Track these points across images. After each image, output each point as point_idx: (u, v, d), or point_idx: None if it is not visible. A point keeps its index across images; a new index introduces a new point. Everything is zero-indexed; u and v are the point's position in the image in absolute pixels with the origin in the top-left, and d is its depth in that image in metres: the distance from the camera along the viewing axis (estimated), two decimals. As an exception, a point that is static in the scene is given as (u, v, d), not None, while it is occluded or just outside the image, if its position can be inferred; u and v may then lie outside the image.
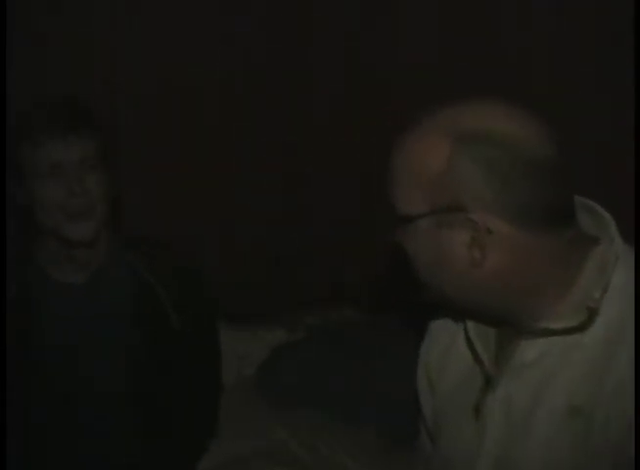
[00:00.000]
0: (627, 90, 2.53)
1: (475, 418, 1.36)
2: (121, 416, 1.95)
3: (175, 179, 2.85)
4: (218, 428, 2.09)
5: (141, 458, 1.95)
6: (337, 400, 2.57)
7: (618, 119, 2.61)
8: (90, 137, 1.85)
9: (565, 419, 1.26)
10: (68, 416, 1.93)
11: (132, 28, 2.75)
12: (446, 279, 1.30)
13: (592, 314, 1.25)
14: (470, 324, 1.40)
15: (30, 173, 1.84)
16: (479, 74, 2.76)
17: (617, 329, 1.25)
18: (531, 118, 1.27)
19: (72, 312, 1.93)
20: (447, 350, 1.47)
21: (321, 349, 2.73)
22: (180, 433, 2.00)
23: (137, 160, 2.66)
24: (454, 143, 1.23)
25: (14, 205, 1.96)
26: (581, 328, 1.26)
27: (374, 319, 2.92)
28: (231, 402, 2.52)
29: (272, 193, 3.02)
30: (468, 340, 1.40)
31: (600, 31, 2.64)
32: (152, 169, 2.76)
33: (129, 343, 1.93)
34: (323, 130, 3.00)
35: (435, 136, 1.25)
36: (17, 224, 2.12)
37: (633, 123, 2.51)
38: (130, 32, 2.75)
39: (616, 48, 2.61)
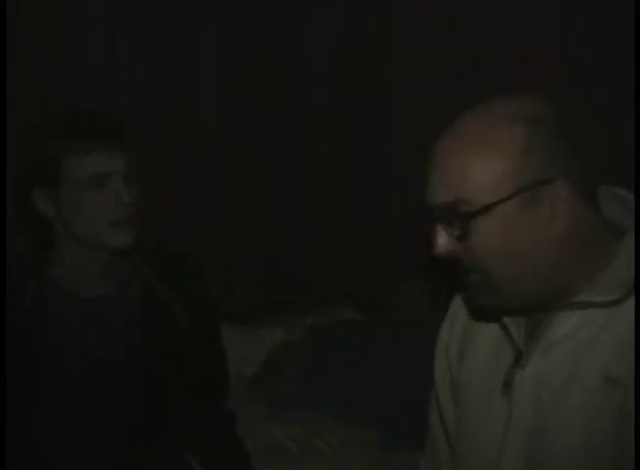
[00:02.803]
0: (628, 89, 2.53)
1: (503, 393, 1.38)
2: (129, 415, 1.96)
3: (175, 180, 2.84)
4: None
5: (150, 459, 1.97)
6: (336, 401, 2.57)
7: (619, 118, 2.61)
8: (126, 149, 1.88)
9: (602, 390, 1.28)
10: (74, 416, 1.94)
11: (132, 28, 2.76)
12: (515, 264, 1.30)
13: (632, 289, 1.29)
14: None
15: (69, 184, 1.84)
16: (478, 64, 2.77)
17: None
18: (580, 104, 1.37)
19: (82, 324, 1.94)
20: (470, 329, 1.48)
21: (321, 349, 2.73)
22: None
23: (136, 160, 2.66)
24: (527, 124, 1.28)
25: (26, 220, 1.96)
26: (620, 301, 1.29)
27: (374, 319, 2.92)
28: (231, 403, 2.53)
29: (272, 193, 3.02)
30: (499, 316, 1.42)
31: (600, 29, 2.65)
32: (151, 169, 2.76)
33: (140, 346, 1.95)
34: (323, 129, 3.00)
35: (505, 121, 1.29)
36: (28, 240, 2.11)
37: (633, 122, 2.51)
38: (130, 32, 2.76)
39: (616, 47, 2.61)
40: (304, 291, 3.03)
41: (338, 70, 2.95)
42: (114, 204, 1.85)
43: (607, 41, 2.64)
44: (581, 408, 1.30)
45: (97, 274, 1.94)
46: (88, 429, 1.93)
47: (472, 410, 1.45)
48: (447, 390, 1.54)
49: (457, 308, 1.53)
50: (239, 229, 2.97)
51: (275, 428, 2.48)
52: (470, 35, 2.80)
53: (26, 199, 1.90)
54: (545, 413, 1.33)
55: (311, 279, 3.04)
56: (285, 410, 2.56)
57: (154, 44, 2.78)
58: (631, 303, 1.28)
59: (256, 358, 2.76)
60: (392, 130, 2.96)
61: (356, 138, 3.00)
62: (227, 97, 2.89)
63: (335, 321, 2.90)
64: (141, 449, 1.96)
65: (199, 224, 2.89)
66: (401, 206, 2.95)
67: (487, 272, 1.31)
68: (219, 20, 2.85)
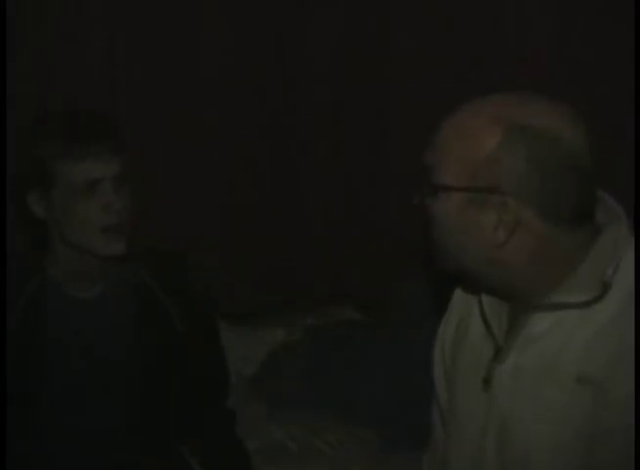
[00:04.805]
0: (628, 89, 2.53)
1: (483, 389, 1.41)
2: (128, 416, 1.96)
3: (174, 180, 2.85)
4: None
5: (150, 459, 1.97)
6: (336, 401, 2.57)
7: (619, 118, 2.61)
8: (121, 151, 1.86)
9: (574, 388, 1.31)
10: (74, 416, 1.94)
11: (132, 28, 2.76)
12: (467, 251, 1.36)
13: (605, 289, 1.31)
14: (484, 297, 1.45)
15: (62, 188, 1.84)
16: (478, 64, 2.77)
17: (625, 306, 1.30)
18: (583, 123, 1.33)
19: (82, 324, 1.94)
20: (463, 324, 1.52)
21: (321, 349, 2.73)
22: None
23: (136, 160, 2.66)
24: (507, 131, 1.30)
25: (26, 220, 1.96)
26: (593, 302, 1.32)
27: (374, 319, 2.92)
28: (231, 403, 2.53)
29: (272, 193, 3.02)
30: (482, 312, 1.45)
31: (600, 29, 2.65)
32: (151, 169, 2.76)
33: (140, 346, 1.95)
34: (323, 129, 3.00)
35: (490, 120, 1.32)
36: (28, 240, 2.11)
37: (633, 122, 2.51)
38: (131, 34, 2.76)
39: (616, 47, 2.61)
40: (304, 291, 3.03)
41: (338, 70, 2.95)
42: (105, 211, 1.83)
43: (607, 41, 2.64)
44: (554, 403, 1.33)
45: (95, 275, 1.94)
46: (88, 429, 1.93)
47: (459, 401, 1.49)
48: (442, 382, 1.58)
49: (456, 301, 1.57)
50: (239, 229, 2.97)
51: (275, 428, 2.48)
52: (470, 35, 2.80)
53: (23, 200, 1.90)
54: (521, 406, 1.37)
55: (311, 279, 3.05)
56: (285, 410, 2.56)
57: (154, 44, 2.78)
58: (604, 303, 1.31)
59: (256, 358, 2.76)
60: (392, 130, 2.96)
61: (356, 138, 3.00)
62: (227, 97, 2.89)
63: (335, 321, 2.90)
64: (141, 449, 1.96)
65: (199, 224, 2.89)
66: (401, 206, 2.95)
67: (437, 244, 1.39)
68: (219, 20, 2.85)
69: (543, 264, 1.34)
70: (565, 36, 2.72)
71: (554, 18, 2.73)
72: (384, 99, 2.95)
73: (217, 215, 2.94)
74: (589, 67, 2.68)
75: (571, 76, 2.70)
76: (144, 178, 2.67)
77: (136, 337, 1.95)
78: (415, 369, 2.28)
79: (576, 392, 1.31)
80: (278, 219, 3.02)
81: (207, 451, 2.03)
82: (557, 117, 1.32)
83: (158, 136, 2.81)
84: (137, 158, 2.50)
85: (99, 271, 1.93)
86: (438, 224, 1.37)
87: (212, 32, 2.85)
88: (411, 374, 2.40)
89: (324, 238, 3.06)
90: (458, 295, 1.57)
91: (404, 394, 2.45)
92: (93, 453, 1.94)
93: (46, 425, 1.92)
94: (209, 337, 2.07)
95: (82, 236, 1.86)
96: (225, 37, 2.86)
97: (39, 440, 1.93)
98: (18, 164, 1.93)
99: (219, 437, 2.06)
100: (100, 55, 2.73)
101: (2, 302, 1.88)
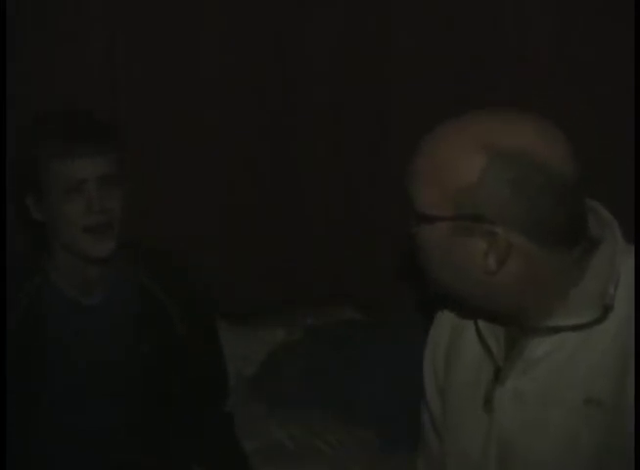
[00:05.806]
0: (628, 89, 2.53)
1: (484, 410, 1.39)
2: (129, 418, 1.96)
3: (174, 180, 2.85)
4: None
5: (150, 458, 1.97)
6: (336, 401, 2.57)
7: (619, 118, 2.61)
8: (113, 152, 1.86)
9: (582, 410, 1.29)
10: (74, 416, 1.94)
11: (132, 28, 2.76)
12: (457, 277, 1.33)
13: (607, 310, 1.29)
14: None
15: (51, 189, 1.83)
16: (478, 64, 2.77)
17: (629, 320, 1.28)
18: (563, 138, 1.30)
19: (82, 324, 1.94)
20: (456, 340, 1.49)
21: (321, 349, 2.73)
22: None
23: (136, 160, 2.66)
24: (489, 158, 1.26)
25: (26, 220, 1.96)
26: (594, 324, 1.30)
27: (374, 319, 2.92)
28: (231, 402, 2.53)
29: (272, 193, 3.02)
30: (478, 331, 1.43)
31: (600, 29, 2.65)
32: (151, 169, 2.76)
33: (139, 347, 1.95)
34: (323, 129, 3.00)
35: (471, 147, 1.28)
36: (28, 240, 2.11)
37: (633, 122, 2.51)
38: (131, 34, 2.76)
39: (616, 47, 2.61)
40: (304, 291, 3.03)
41: (338, 70, 2.95)
42: (89, 211, 1.83)
43: (607, 41, 2.64)
44: (563, 428, 1.31)
45: (94, 275, 1.94)
46: (88, 429, 1.94)
47: (456, 418, 1.46)
48: (435, 396, 1.56)
49: (443, 317, 1.54)
50: (239, 229, 2.97)
51: (275, 428, 2.48)
52: (470, 35, 2.79)
53: (23, 200, 1.90)
54: (526, 430, 1.35)
55: (311, 279, 3.04)
56: (285, 410, 2.56)
57: (154, 44, 2.78)
58: (606, 323, 1.29)
59: (256, 358, 2.76)
60: (392, 130, 2.96)
61: (356, 138, 3.00)
62: (227, 97, 2.89)
63: (335, 321, 2.90)
64: (141, 449, 1.96)
65: (199, 224, 2.89)
66: (401, 206, 2.94)
67: (426, 270, 1.36)
68: (219, 20, 2.85)
69: (538, 287, 1.31)
70: (565, 36, 2.71)
71: (554, 18, 2.72)
72: (384, 99, 2.95)
73: (217, 215, 2.94)
74: (589, 67, 2.68)
75: (571, 76, 2.70)
76: (144, 178, 2.68)
77: (136, 337, 1.96)
78: (415, 369, 2.27)
79: (584, 414, 1.29)
80: (278, 219, 3.02)
81: (207, 451, 2.03)
82: (534, 135, 1.28)
83: (158, 136, 2.80)
84: (137, 158, 2.50)
85: (98, 272, 1.93)
86: (425, 252, 1.35)
87: (212, 32, 2.85)
88: (411, 374, 2.38)
89: (324, 238, 3.06)
90: (445, 313, 1.54)
91: (404, 394, 2.44)
92: (93, 453, 1.94)
93: (46, 425, 1.92)
94: (209, 337, 2.08)
95: (71, 237, 1.86)
96: (225, 37, 2.86)
97: (39, 440, 1.93)
98: (17, 164, 1.94)
99: (219, 437, 2.06)
100: (100, 55, 2.73)
101: (2, 302, 1.88)
